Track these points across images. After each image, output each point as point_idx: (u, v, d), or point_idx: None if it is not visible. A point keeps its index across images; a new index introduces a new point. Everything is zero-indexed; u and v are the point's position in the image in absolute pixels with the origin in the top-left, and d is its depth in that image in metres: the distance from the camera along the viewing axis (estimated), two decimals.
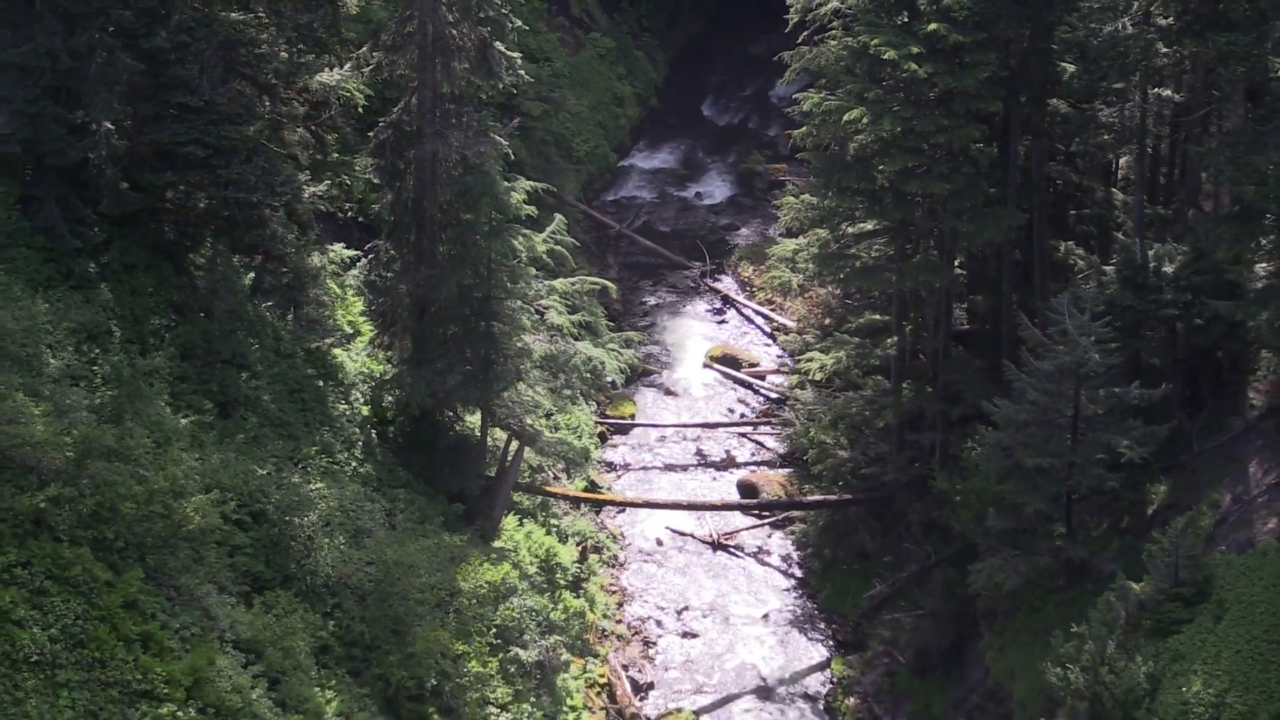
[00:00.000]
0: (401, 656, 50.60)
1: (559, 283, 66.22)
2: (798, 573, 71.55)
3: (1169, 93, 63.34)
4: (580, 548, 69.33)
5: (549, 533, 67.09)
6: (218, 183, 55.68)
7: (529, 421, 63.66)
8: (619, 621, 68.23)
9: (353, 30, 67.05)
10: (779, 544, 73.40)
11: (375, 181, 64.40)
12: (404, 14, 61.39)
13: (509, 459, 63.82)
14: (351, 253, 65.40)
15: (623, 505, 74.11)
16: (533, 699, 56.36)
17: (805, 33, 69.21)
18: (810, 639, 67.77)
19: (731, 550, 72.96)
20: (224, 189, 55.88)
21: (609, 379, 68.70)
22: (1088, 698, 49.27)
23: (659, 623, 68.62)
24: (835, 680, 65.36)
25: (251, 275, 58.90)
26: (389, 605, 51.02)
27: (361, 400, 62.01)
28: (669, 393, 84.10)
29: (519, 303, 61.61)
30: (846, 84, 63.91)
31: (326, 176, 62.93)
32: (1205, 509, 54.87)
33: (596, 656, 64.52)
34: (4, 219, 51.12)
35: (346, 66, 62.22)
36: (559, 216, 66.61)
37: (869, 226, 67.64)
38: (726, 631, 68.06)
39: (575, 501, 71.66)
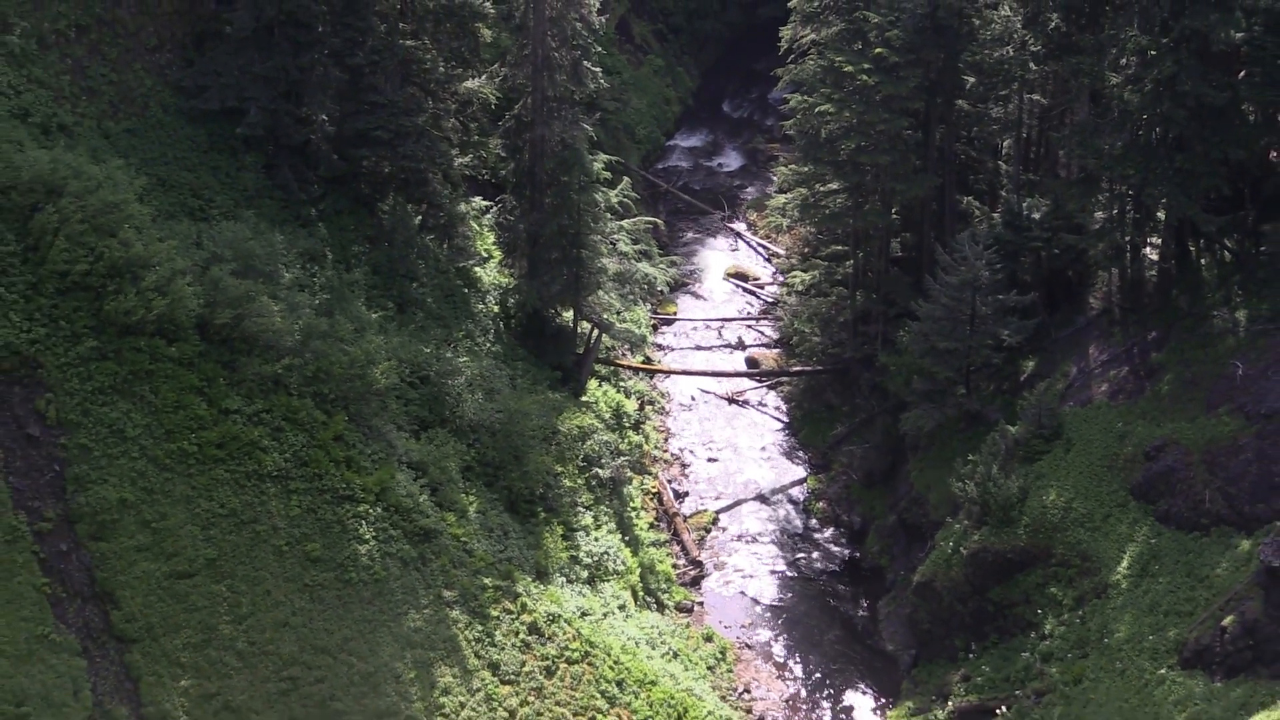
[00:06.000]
0: (519, 473, 50.58)
1: (626, 223, 66.02)
2: (785, 419, 71.07)
3: (1038, 96, 63.07)
4: (639, 401, 69.08)
5: (619, 391, 66.94)
6: (397, 156, 55.72)
7: (605, 316, 63.39)
8: (665, 451, 68.00)
9: (488, 52, 66.30)
10: (773, 399, 72.80)
11: (503, 155, 63.91)
12: (522, 42, 61.14)
13: (592, 342, 63.56)
14: (486, 203, 65.10)
15: (668, 373, 73.68)
16: (607, 503, 56.54)
17: (792, 55, 68.78)
18: (793, 463, 67.39)
19: (741, 404, 72.43)
20: (401, 160, 55.99)
21: (659, 288, 68.99)
22: (979, 503, 49.24)
23: (692, 452, 68.28)
24: (810, 491, 65.04)
25: (419, 218, 58.53)
26: (511, 439, 50.91)
27: (493, 302, 61.64)
28: (699, 297, 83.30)
29: (599, 237, 61.50)
30: (820, 90, 63.58)
31: (469, 151, 62.69)
32: (1059, 377, 54.60)
33: (650, 474, 64.57)
34: (254, 180, 50.97)
35: (483, 77, 61.99)
36: (626, 179, 66.39)
37: (834, 186, 67.11)
38: (737, 458, 67.69)
39: (636, 370, 71.33)
